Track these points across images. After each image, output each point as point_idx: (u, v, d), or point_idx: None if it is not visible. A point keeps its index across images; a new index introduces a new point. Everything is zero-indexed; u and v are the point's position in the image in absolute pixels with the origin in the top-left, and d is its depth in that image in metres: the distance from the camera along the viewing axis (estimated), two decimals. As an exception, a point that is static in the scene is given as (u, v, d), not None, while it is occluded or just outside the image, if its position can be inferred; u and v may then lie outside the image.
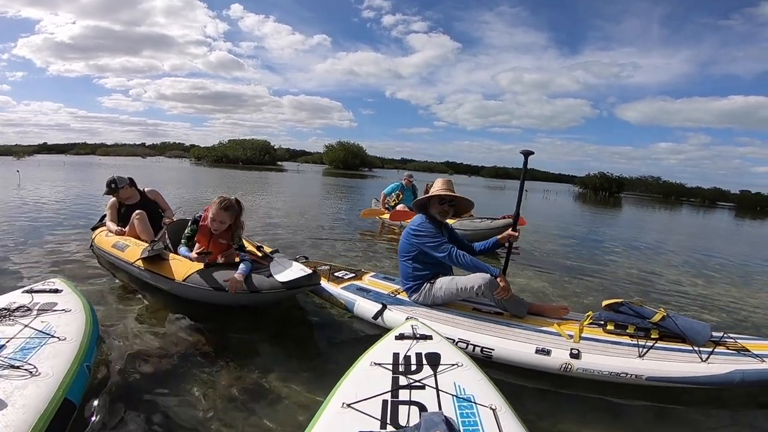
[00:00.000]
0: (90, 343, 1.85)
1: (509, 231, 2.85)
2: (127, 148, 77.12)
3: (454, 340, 2.30)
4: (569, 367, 2.17)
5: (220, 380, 2.06)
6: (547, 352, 2.21)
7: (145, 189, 4.07)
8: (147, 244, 3.25)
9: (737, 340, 2.34)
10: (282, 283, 2.49)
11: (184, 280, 2.73)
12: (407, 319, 2.46)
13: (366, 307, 2.76)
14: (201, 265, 2.77)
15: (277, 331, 2.74)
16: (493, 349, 2.30)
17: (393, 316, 2.61)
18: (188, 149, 71.11)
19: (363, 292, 2.95)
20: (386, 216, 7.28)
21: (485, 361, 2.29)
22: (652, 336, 2.34)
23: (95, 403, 1.77)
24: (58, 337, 1.78)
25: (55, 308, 2.07)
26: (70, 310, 2.06)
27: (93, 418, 1.68)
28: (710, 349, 2.20)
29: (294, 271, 2.57)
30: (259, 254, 3.10)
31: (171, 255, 3.04)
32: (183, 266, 2.83)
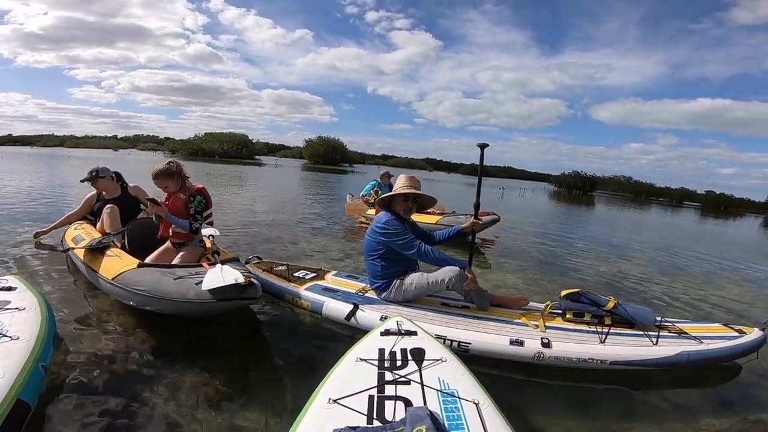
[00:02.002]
0: (45, 343, 1.77)
1: (472, 219, 2.97)
2: (98, 140, 74.30)
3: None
4: (542, 355, 2.28)
5: (191, 381, 2.00)
6: (521, 343, 2.31)
7: (129, 185, 3.88)
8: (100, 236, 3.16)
9: (675, 324, 2.59)
10: (208, 292, 2.15)
11: (113, 279, 2.54)
12: (382, 318, 2.47)
13: (336, 308, 2.70)
14: (134, 265, 2.60)
15: (251, 330, 2.67)
16: (470, 343, 2.36)
17: (366, 315, 2.58)
18: (162, 142, 69.12)
19: (330, 292, 2.87)
20: (372, 212, 7.29)
21: (463, 355, 2.32)
22: (606, 323, 2.52)
23: (52, 404, 1.71)
24: (10, 337, 1.69)
25: (7, 307, 1.97)
26: (24, 309, 1.97)
27: (50, 420, 1.63)
28: (656, 333, 2.42)
29: (227, 279, 2.18)
30: (210, 259, 2.91)
31: (113, 250, 2.91)
32: (117, 263, 2.68)
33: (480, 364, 2.27)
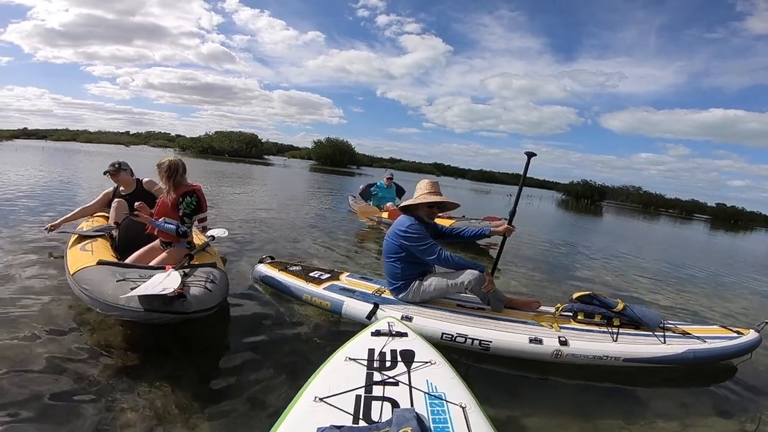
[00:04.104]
0: None
1: (505, 225, 2.98)
2: (110, 136, 75.14)
3: (452, 336, 2.44)
4: (560, 353, 2.36)
5: (172, 380, 1.94)
6: (540, 341, 2.39)
7: (143, 179, 3.89)
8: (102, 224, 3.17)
9: (677, 325, 2.74)
10: (137, 299, 1.97)
11: (73, 274, 2.46)
12: (403, 317, 2.54)
13: (357, 308, 2.73)
14: (94, 261, 2.49)
15: (237, 328, 2.64)
16: (491, 342, 2.42)
17: (387, 315, 2.56)
18: (174, 139, 69.67)
19: (348, 292, 2.90)
20: (385, 215, 7.37)
21: (483, 354, 2.43)
22: (615, 323, 2.62)
23: None
24: None
25: None
26: None
27: None
28: (663, 334, 2.54)
29: (156, 288, 1.98)
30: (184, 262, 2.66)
31: (95, 244, 2.86)
32: (84, 258, 2.59)
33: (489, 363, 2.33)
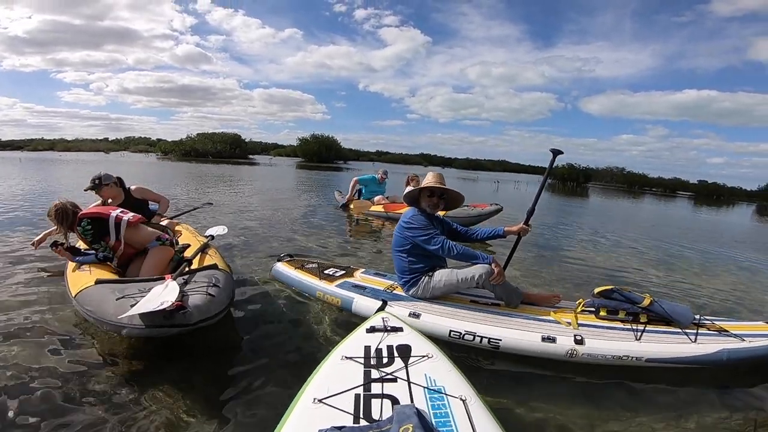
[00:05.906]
0: None
1: (522, 225, 2.93)
2: (89, 143, 73.13)
3: (461, 333, 2.37)
4: (574, 353, 2.24)
5: (167, 387, 1.93)
6: (553, 340, 2.28)
7: (131, 187, 3.73)
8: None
9: (714, 322, 2.52)
10: (138, 316, 1.90)
11: (75, 296, 2.39)
12: (411, 314, 2.51)
13: (365, 305, 2.71)
14: (93, 281, 2.41)
15: (231, 331, 2.60)
16: (501, 340, 2.33)
17: (395, 312, 2.52)
18: (155, 144, 68.28)
19: (359, 289, 2.90)
20: (377, 208, 7.32)
21: (493, 352, 2.35)
22: (641, 320, 2.46)
23: None
24: None
25: None
26: None
27: None
28: (695, 331, 2.34)
29: (155, 303, 1.90)
30: (183, 269, 2.56)
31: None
32: (84, 278, 2.50)
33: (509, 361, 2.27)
